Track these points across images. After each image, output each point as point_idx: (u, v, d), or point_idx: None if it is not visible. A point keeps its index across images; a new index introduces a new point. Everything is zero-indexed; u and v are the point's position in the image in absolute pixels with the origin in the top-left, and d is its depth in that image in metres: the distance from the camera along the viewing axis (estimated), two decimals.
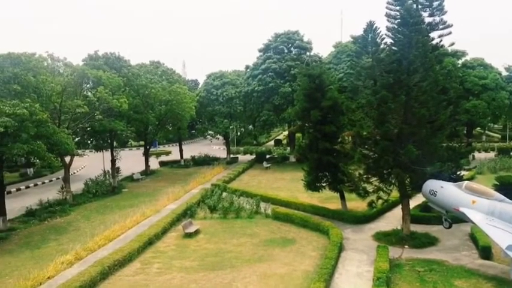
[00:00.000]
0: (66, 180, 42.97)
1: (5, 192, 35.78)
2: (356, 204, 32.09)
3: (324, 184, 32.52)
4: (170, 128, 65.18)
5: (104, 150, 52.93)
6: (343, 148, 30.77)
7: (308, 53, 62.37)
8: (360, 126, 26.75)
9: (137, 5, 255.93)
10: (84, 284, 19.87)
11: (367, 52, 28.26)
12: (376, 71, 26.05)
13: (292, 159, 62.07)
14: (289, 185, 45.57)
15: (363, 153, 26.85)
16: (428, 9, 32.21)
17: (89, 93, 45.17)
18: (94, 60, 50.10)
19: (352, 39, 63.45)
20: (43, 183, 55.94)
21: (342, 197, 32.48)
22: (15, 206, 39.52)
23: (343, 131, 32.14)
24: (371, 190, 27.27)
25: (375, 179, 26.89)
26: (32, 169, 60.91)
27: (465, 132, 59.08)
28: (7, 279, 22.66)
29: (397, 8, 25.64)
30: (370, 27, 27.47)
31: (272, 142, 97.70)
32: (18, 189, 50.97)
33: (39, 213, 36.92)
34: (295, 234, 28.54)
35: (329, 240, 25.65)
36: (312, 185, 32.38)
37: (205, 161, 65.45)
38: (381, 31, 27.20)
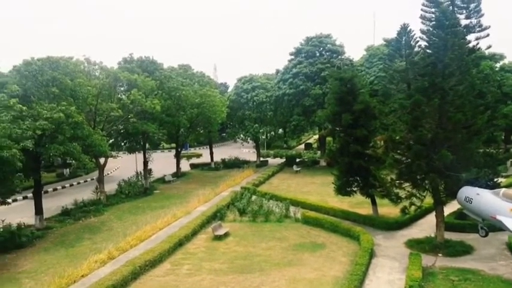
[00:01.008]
0: (101, 181, 44.03)
1: (43, 192, 36.96)
2: (388, 210, 31.48)
3: (354, 189, 32.05)
4: (201, 131, 65.84)
5: (136, 152, 53.98)
6: (375, 152, 30.46)
7: (340, 56, 61.76)
8: (393, 131, 26.29)
9: (168, 9, 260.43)
10: (116, 283, 20.28)
11: (401, 55, 27.73)
12: (409, 74, 25.59)
13: (323, 163, 61.59)
14: (319, 189, 45.19)
15: (395, 158, 26.34)
16: (464, 11, 31.40)
17: (123, 96, 46.23)
18: (128, 63, 51.36)
19: (384, 42, 62.47)
20: (78, 183, 57.57)
21: (373, 202, 31.93)
22: (51, 205, 40.80)
23: (375, 135, 31.75)
24: (403, 196, 26.70)
25: (408, 184, 26.32)
26: (68, 170, 62.72)
27: (503, 137, 57.15)
28: (43, 276, 23.36)
29: (433, 10, 25.15)
30: (404, 30, 26.95)
31: (302, 146, 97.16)
32: (55, 189, 52.64)
33: (74, 213, 37.95)
34: (325, 239, 28.25)
35: (360, 246, 25.26)
36: (343, 189, 31.98)
37: (235, 164, 65.82)
38: (415, 34, 26.71)
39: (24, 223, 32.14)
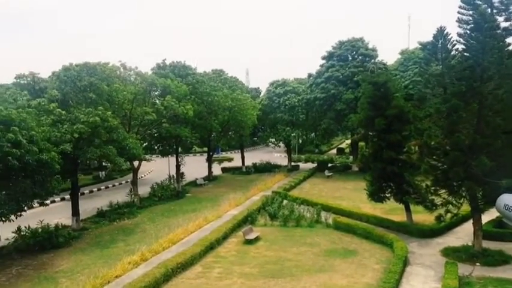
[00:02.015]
0: (134, 183, 44.91)
1: (79, 194, 38.05)
2: (422, 217, 30.72)
3: (388, 195, 31.43)
4: (233, 135, 66.25)
5: (169, 156, 54.81)
6: (410, 158, 29.82)
7: (373, 60, 60.92)
8: (428, 136, 25.62)
9: (202, 16, 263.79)
10: (149, 285, 20.55)
11: (437, 59, 26.99)
12: (446, 78, 24.92)
13: (355, 168, 60.78)
14: (351, 194, 44.60)
15: (431, 164, 25.67)
16: (504, 14, 30.32)
17: (157, 101, 47.10)
18: (162, 69, 52.34)
19: (420, 46, 61.21)
20: (113, 185, 58.97)
21: (407, 209, 31.21)
22: (87, 207, 41.91)
23: (409, 140, 31.06)
24: (439, 203, 25.97)
25: (444, 191, 25.59)
26: (103, 172, 64.37)
27: None
28: (78, 276, 23.97)
29: (470, 12, 24.35)
30: (441, 33, 26.22)
31: (334, 150, 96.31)
32: (91, 191, 54.08)
33: (109, 215, 38.84)
34: (357, 245, 27.82)
35: (393, 254, 24.72)
36: (376, 195, 31.43)
37: (267, 168, 65.80)
38: (452, 37, 25.95)
39: (61, 224, 33.07)
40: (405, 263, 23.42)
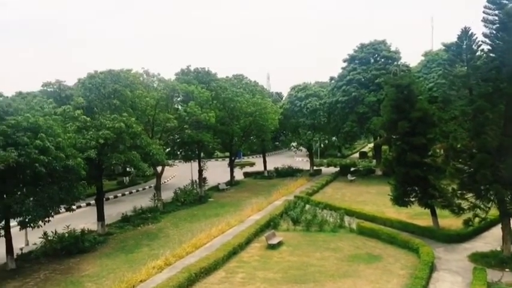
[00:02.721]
0: (158, 188, 45.36)
1: (104, 199, 38.67)
2: (449, 221, 30.07)
3: (412, 199, 30.90)
4: (254, 140, 66.32)
5: (192, 161, 55.21)
6: (434, 161, 29.22)
7: (395, 63, 60.16)
8: (454, 138, 25.14)
9: (224, 24, 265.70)
10: None
11: (462, 60, 26.44)
12: (472, 79, 24.46)
13: (378, 172, 59.98)
14: (375, 199, 44.04)
15: (457, 167, 25.18)
16: None
17: (179, 107, 47.56)
18: (185, 75, 52.88)
19: (443, 47, 60.21)
20: (137, 191, 59.73)
21: (433, 214, 30.59)
22: (112, 212, 42.55)
23: (434, 143, 30.50)
24: (466, 207, 25.43)
25: (471, 195, 25.04)
26: (127, 178, 65.25)
27: None
28: (104, 280, 24.33)
29: (496, 12, 23.81)
30: (465, 34, 25.70)
31: (357, 154, 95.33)
32: (116, 197, 54.89)
33: (134, 220, 39.28)
34: (382, 250, 27.39)
35: (419, 259, 24.26)
36: (400, 199, 30.92)
37: (289, 173, 65.57)
38: (477, 37, 25.43)
39: (87, 229, 33.69)
40: (432, 268, 22.94)
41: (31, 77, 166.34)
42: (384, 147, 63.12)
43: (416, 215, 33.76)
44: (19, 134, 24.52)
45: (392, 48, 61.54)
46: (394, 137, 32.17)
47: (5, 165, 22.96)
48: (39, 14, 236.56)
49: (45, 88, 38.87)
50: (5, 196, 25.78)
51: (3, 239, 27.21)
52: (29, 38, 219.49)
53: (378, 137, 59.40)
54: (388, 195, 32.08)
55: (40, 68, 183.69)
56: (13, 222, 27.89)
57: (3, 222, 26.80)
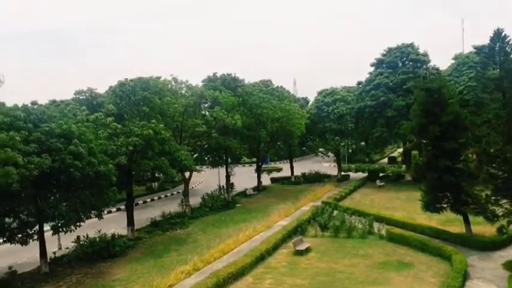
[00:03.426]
0: (186, 194, 45.81)
1: (134, 204, 39.33)
2: (483, 228, 29.15)
3: (444, 205, 30.12)
4: (281, 145, 66.23)
5: (219, 167, 55.56)
6: (467, 166, 28.44)
7: (424, 66, 59.06)
8: (487, 143, 24.50)
9: (250, 29, 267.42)
10: None
11: (494, 62, 25.82)
12: (505, 82, 23.81)
13: (408, 177, 58.83)
14: (405, 205, 43.19)
15: (491, 173, 24.48)
16: None
17: (206, 113, 48.07)
18: (212, 81, 53.42)
19: (474, 50, 58.80)
20: (166, 196, 60.49)
21: (466, 220, 29.74)
22: (141, 217, 43.20)
23: (466, 148, 29.73)
24: (501, 213, 24.65)
25: (506, 201, 24.27)
26: (156, 183, 66.20)
27: None
28: (134, 285, 24.71)
29: None
30: (498, 35, 25.07)
31: (385, 159, 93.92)
32: (145, 202, 55.75)
33: (162, 225, 39.77)
34: (413, 257, 26.80)
35: (451, 267, 23.59)
36: (431, 205, 30.17)
37: (316, 178, 65.13)
38: (510, 39, 24.76)
39: (117, 233, 34.27)
40: (465, 277, 22.28)
41: (64, 85, 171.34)
42: (414, 152, 61.93)
43: (448, 221, 32.92)
44: (53, 140, 25.28)
45: (421, 51, 60.46)
46: (424, 141, 31.52)
47: (39, 171, 23.67)
48: (66, 25, 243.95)
49: (77, 96, 40.08)
50: (39, 201, 26.55)
51: (37, 242, 28.01)
52: (60, 47, 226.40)
53: (408, 142, 58.34)
54: (419, 200, 31.39)
55: (72, 76, 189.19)
56: (46, 227, 28.73)
57: (37, 227, 27.63)
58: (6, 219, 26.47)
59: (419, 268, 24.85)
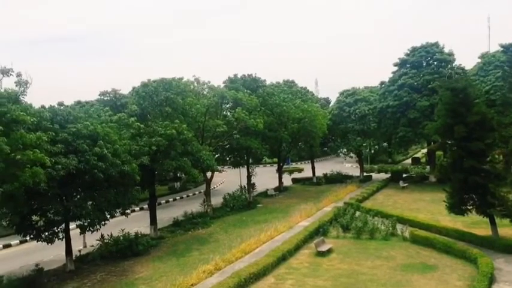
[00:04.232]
0: (208, 194, 46.13)
1: (157, 204, 39.80)
2: (509, 230, 28.57)
3: (470, 207, 29.48)
4: (303, 146, 66.02)
5: (240, 167, 55.75)
6: (494, 168, 27.80)
7: (449, 66, 57.92)
8: None
9: (271, 30, 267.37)
10: None
11: None
12: None
13: (432, 179, 57.91)
14: (429, 206, 42.48)
15: None
16: None
17: (228, 113, 48.31)
18: (233, 82, 53.68)
19: (501, 48, 57.40)
20: (187, 196, 61.08)
21: (492, 223, 29.05)
22: (164, 216, 43.69)
23: (493, 148, 29.05)
24: None
25: None
26: (178, 183, 66.75)
27: None
28: (156, 283, 24.98)
29: None
30: None
31: (409, 160, 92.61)
32: (167, 201, 56.43)
33: (184, 224, 40.16)
34: (437, 260, 26.33)
35: (477, 270, 23.09)
36: (456, 207, 29.56)
37: (338, 179, 64.72)
38: None
39: (140, 232, 34.76)
40: (491, 280, 21.78)
41: (88, 86, 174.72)
42: (439, 152, 60.86)
43: (474, 223, 32.26)
44: (79, 142, 25.80)
45: (446, 51, 59.33)
46: (449, 142, 30.95)
47: (66, 171, 24.20)
48: (90, 29, 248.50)
49: (101, 97, 40.80)
50: (65, 200, 27.14)
51: (63, 240, 28.62)
52: (85, 50, 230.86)
53: (432, 142, 57.37)
54: (443, 201, 30.83)
55: (97, 77, 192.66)
56: (72, 225, 29.35)
57: (63, 225, 28.25)
58: (34, 218, 27.21)
59: (443, 271, 24.41)
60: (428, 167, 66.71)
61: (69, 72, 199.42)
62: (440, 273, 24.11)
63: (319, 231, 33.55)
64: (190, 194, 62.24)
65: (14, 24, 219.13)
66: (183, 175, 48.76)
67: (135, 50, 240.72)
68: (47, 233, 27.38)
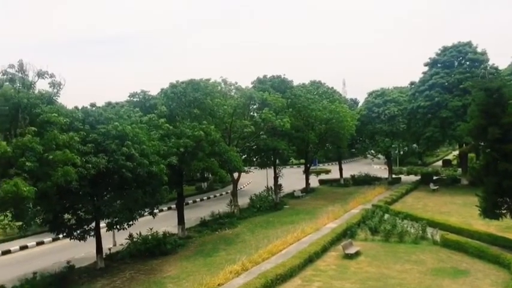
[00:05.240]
0: (234, 194, 46.29)
1: (184, 204, 40.20)
2: None
3: (504, 211, 28.54)
4: (330, 147, 65.46)
5: (267, 168, 55.72)
6: None
7: (482, 65, 56.28)
8: None
9: (298, 30, 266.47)
10: None
11: None
12: None
13: (464, 181, 56.45)
14: (460, 210, 41.40)
15: None
16: None
17: (255, 114, 48.36)
18: (262, 83, 53.75)
19: None
20: (214, 196, 61.47)
21: None
22: (191, 216, 44.08)
23: None
24: None
25: None
26: (205, 183, 67.35)
27: None
28: (184, 282, 25.21)
29: None
30: None
31: (439, 162, 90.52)
32: (194, 201, 56.93)
33: (211, 224, 40.43)
34: (469, 265, 25.62)
35: (511, 275, 22.38)
36: (490, 211, 28.63)
37: (366, 181, 63.91)
38: None
39: (168, 232, 35.18)
40: None
41: (119, 88, 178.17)
42: (471, 155, 59.24)
43: (508, 228, 31.29)
44: (108, 142, 26.33)
45: (479, 50, 57.69)
46: (482, 144, 30.05)
47: (96, 170, 24.75)
48: (121, 32, 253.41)
49: (131, 98, 41.43)
50: (95, 199, 27.76)
51: (93, 238, 29.29)
52: (117, 53, 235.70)
53: (464, 144, 55.87)
54: (476, 206, 29.96)
55: (126, 79, 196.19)
56: (102, 224, 29.98)
57: (93, 223, 28.90)
58: (66, 216, 27.93)
59: (476, 276, 23.74)
60: (459, 169, 65.04)
61: (99, 74, 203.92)
62: (472, 278, 23.46)
63: (347, 233, 33.17)
64: (217, 195, 62.63)
65: (45, 27, 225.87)
66: (210, 175, 49.07)
67: (163, 53, 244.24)
68: (78, 231, 28.10)
